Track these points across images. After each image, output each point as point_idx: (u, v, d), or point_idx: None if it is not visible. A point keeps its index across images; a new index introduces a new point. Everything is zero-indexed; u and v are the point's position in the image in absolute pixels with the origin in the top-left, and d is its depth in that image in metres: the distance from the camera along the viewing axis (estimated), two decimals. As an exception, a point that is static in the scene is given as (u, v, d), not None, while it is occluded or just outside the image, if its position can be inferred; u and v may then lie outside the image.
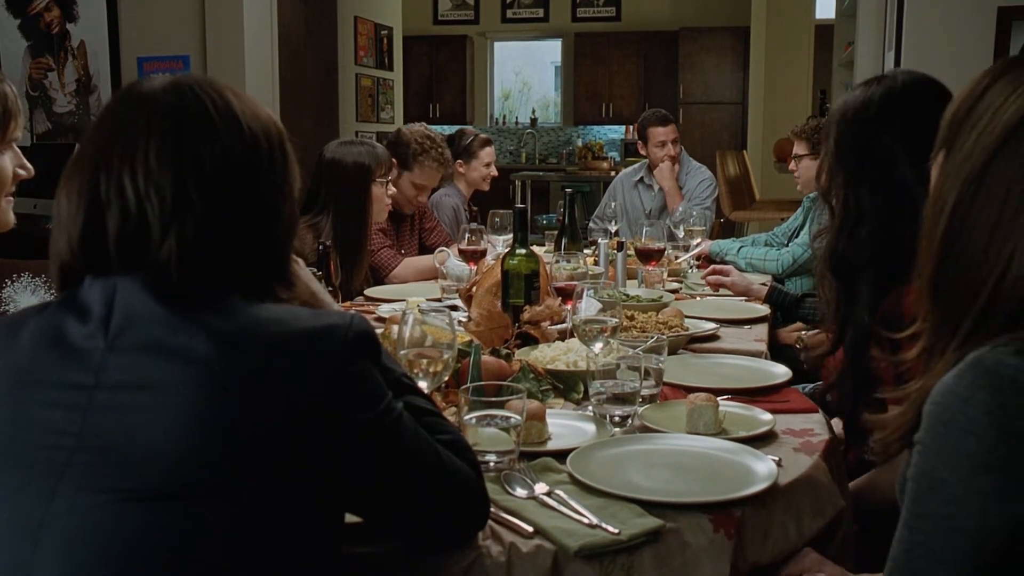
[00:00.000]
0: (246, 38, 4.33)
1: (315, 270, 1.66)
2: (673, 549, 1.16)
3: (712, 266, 3.03)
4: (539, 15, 10.57)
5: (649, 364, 1.62)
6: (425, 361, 1.47)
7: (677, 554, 1.16)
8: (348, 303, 2.73)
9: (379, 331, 1.53)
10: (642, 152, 4.47)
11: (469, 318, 2.09)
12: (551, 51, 11.13)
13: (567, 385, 1.74)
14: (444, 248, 3.09)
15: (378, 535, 1.11)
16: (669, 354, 1.81)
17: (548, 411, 1.53)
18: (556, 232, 3.14)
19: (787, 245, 3.58)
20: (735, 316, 2.52)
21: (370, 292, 2.95)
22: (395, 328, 1.57)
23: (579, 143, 10.63)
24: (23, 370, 0.95)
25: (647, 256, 2.95)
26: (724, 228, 5.83)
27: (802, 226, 3.59)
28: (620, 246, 2.84)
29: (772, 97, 8.56)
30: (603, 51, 10.30)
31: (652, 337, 1.72)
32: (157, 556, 0.88)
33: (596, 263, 2.92)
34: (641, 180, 4.49)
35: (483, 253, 2.81)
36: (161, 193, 0.94)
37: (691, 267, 3.35)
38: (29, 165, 1.59)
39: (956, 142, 0.99)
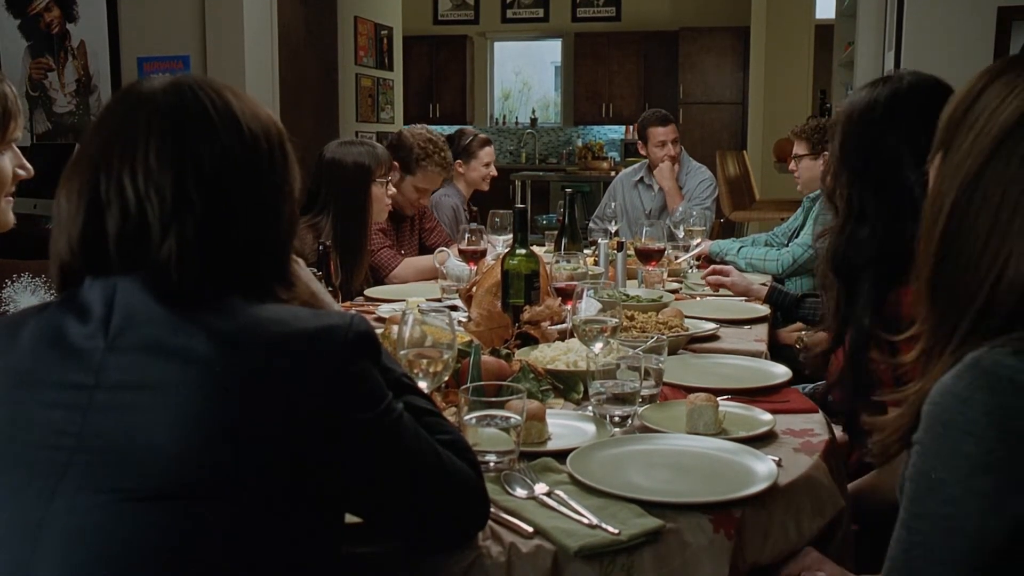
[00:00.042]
0: (246, 38, 4.33)
1: (315, 270, 1.66)
2: (673, 549, 1.16)
3: (712, 266, 3.03)
4: (539, 15, 10.57)
5: (649, 364, 1.62)
6: (425, 361, 1.47)
7: (677, 554, 1.16)
8: (348, 303, 2.73)
9: (379, 331, 1.53)
10: (642, 152, 4.47)
11: (469, 318, 2.09)
12: (551, 51, 11.12)
13: (567, 385, 1.74)
14: (444, 248, 3.09)
15: (378, 535, 1.11)
16: (669, 354, 1.81)
17: (548, 411, 1.53)
18: (556, 232, 3.14)
19: (787, 245, 3.57)
20: (735, 316, 2.52)
21: (370, 292, 2.95)
22: (395, 328, 1.57)
23: (579, 143, 10.62)
24: (23, 370, 0.95)
25: (647, 256, 2.95)
26: (724, 228, 5.83)
27: (802, 226, 3.59)
28: (620, 246, 2.84)
29: (772, 97, 8.56)
30: (603, 51, 10.30)
31: (652, 337, 1.72)
32: (157, 556, 0.88)
33: (596, 263, 2.92)
34: (641, 180, 4.48)
35: (483, 253, 2.81)
36: (161, 193, 0.94)
37: (691, 267, 3.35)
38: (29, 165, 1.59)
39: (953, 143, 0.98)
